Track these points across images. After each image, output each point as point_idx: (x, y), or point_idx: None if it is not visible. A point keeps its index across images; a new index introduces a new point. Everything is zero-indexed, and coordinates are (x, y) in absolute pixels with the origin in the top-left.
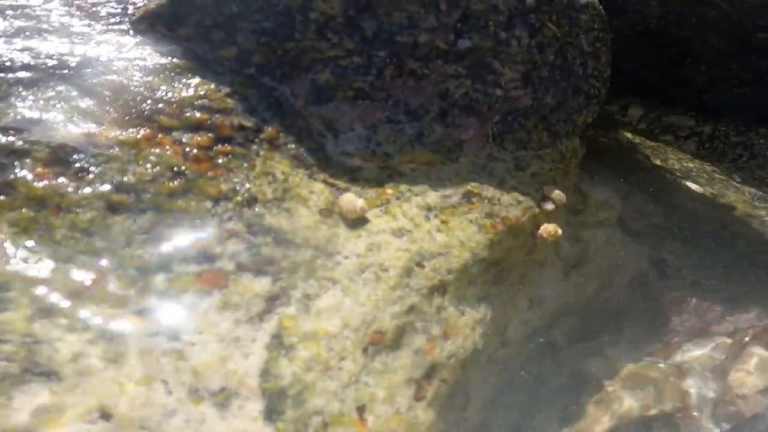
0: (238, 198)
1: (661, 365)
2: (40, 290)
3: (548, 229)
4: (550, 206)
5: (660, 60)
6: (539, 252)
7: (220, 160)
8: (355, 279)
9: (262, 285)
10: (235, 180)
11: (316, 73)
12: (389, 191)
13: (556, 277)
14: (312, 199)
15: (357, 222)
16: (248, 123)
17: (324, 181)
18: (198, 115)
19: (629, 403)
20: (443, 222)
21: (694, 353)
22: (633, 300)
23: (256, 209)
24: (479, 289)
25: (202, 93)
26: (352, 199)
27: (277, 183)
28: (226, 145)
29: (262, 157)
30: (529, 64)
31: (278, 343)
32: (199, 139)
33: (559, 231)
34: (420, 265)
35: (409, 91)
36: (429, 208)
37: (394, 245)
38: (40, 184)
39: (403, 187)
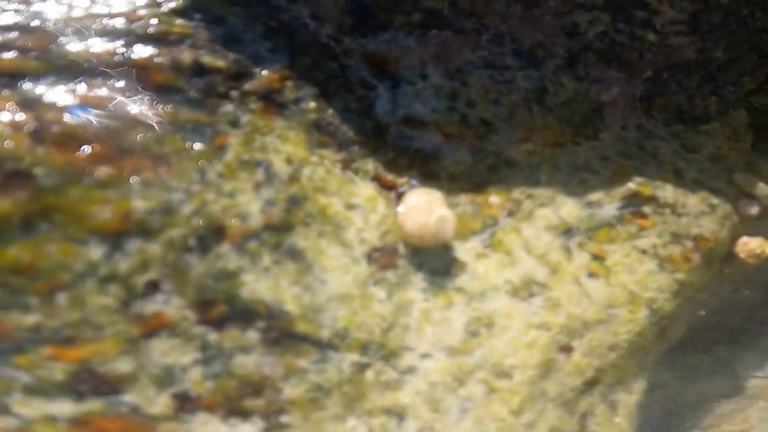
0: (178, 230)
1: None
2: None
3: (750, 246)
4: (753, 209)
5: None
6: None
7: (135, 139)
8: (446, 402)
9: None
10: (172, 184)
11: None
12: (494, 199)
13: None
14: (354, 223)
15: (443, 264)
16: (218, 62)
17: (376, 178)
18: (99, 47)
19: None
20: (596, 258)
21: None
22: None
23: (223, 253)
24: (640, 357)
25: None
26: (425, 206)
27: (275, 184)
28: (159, 104)
29: (245, 127)
30: (699, 3)
31: None
32: (87, 91)
33: None
34: (566, 349)
35: (518, 21)
36: (568, 230)
37: (518, 319)
38: None
39: (519, 191)
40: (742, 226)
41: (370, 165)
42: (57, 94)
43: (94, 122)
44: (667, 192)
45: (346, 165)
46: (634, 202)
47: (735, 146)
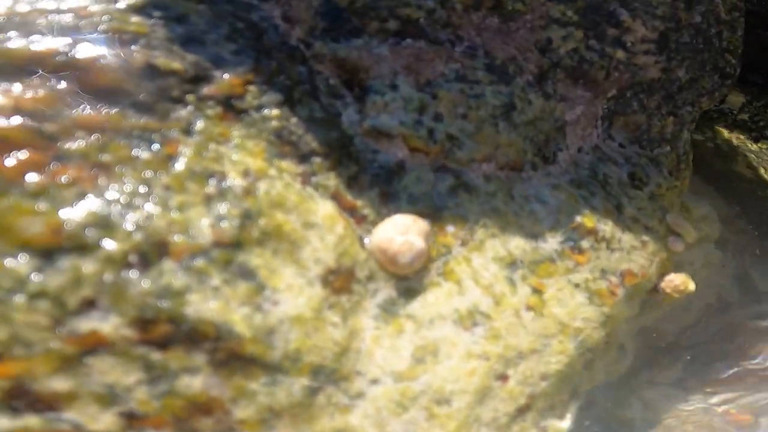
0: (117, 246)
1: (722, 409)
2: None
3: (675, 283)
4: (679, 246)
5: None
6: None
7: (72, 145)
8: (392, 426)
9: None
10: (112, 196)
11: None
12: (451, 227)
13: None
14: (310, 243)
15: (397, 291)
16: (174, 64)
17: (336, 197)
18: (42, 45)
19: None
20: (535, 291)
21: None
22: (704, 328)
23: (166, 271)
24: (571, 386)
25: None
26: (402, 226)
27: (228, 198)
28: (103, 107)
29: (198, 135)
30: (671, 21)
31: None
32: (22, 92)
33: (691, 285)
34: (502, 377)
35: (493, 34)
36: (513, 263)
37: (461, 348)
38: None
39: (474, 219)
40: (670, 261)
41: (332, 180)
42: None
43: (29, 126)
44: (608, 226)
45: (306, 179)
46: (574, 236)
47: (674, 184)
